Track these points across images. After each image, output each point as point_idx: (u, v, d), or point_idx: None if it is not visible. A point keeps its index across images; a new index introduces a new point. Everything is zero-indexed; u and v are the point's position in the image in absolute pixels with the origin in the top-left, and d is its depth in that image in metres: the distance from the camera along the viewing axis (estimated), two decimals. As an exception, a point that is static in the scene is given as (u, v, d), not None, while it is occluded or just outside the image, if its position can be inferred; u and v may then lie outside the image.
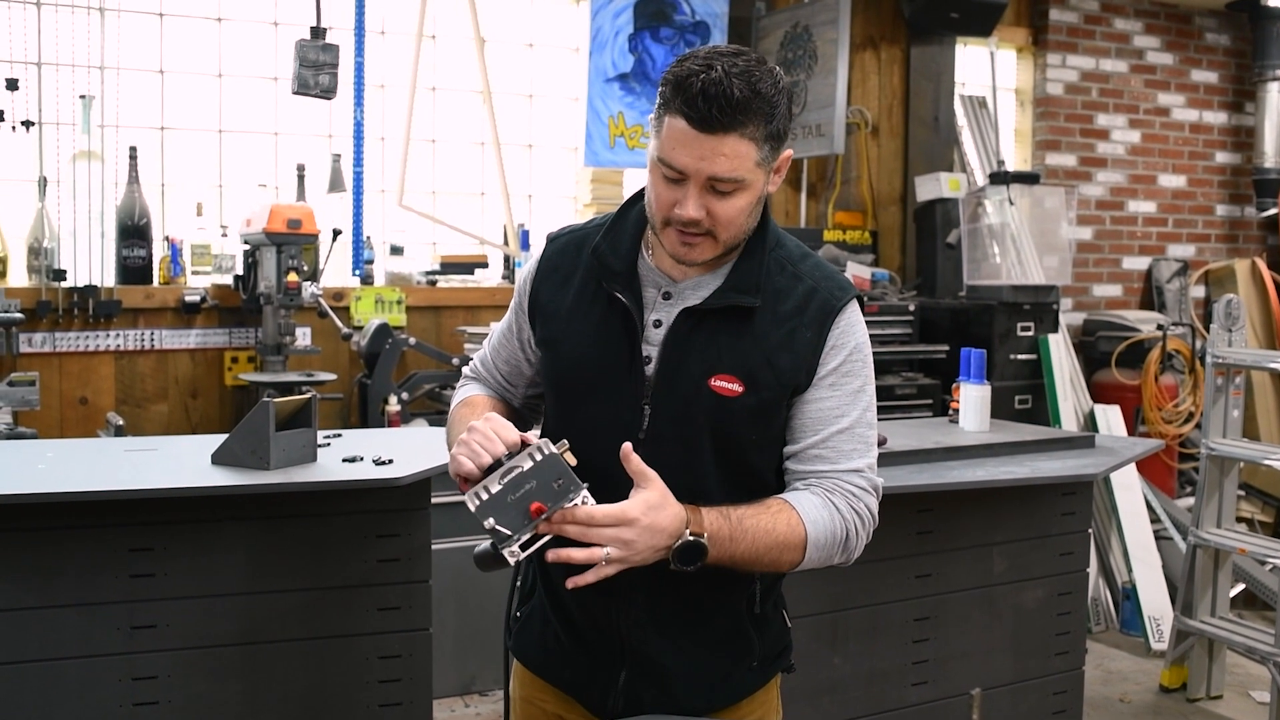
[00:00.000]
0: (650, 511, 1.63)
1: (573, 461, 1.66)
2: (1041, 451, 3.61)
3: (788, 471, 1.84)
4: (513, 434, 1.68)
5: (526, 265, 1.99)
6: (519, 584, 2.02)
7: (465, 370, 2.11)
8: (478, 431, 1.69)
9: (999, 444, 3.58)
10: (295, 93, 4.50)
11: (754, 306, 1.79)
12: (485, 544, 1.71)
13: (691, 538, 1.65)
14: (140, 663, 2.80)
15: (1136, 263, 7.00)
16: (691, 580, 1.75)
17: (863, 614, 3.33)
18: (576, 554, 1.60)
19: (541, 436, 1.95)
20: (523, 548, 1.62)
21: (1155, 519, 5.63)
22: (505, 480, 1.63)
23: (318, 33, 4.53)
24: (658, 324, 1.81)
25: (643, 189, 1.90)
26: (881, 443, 3.39)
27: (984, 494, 3.45)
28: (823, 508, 1.77)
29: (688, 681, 1.87)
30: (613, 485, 1.72)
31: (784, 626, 1.99)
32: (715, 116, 1.64)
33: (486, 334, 5.06)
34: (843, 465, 1.80)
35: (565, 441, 1.68)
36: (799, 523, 1.74)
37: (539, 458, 1.64)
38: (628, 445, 1.65)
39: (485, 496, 1.63)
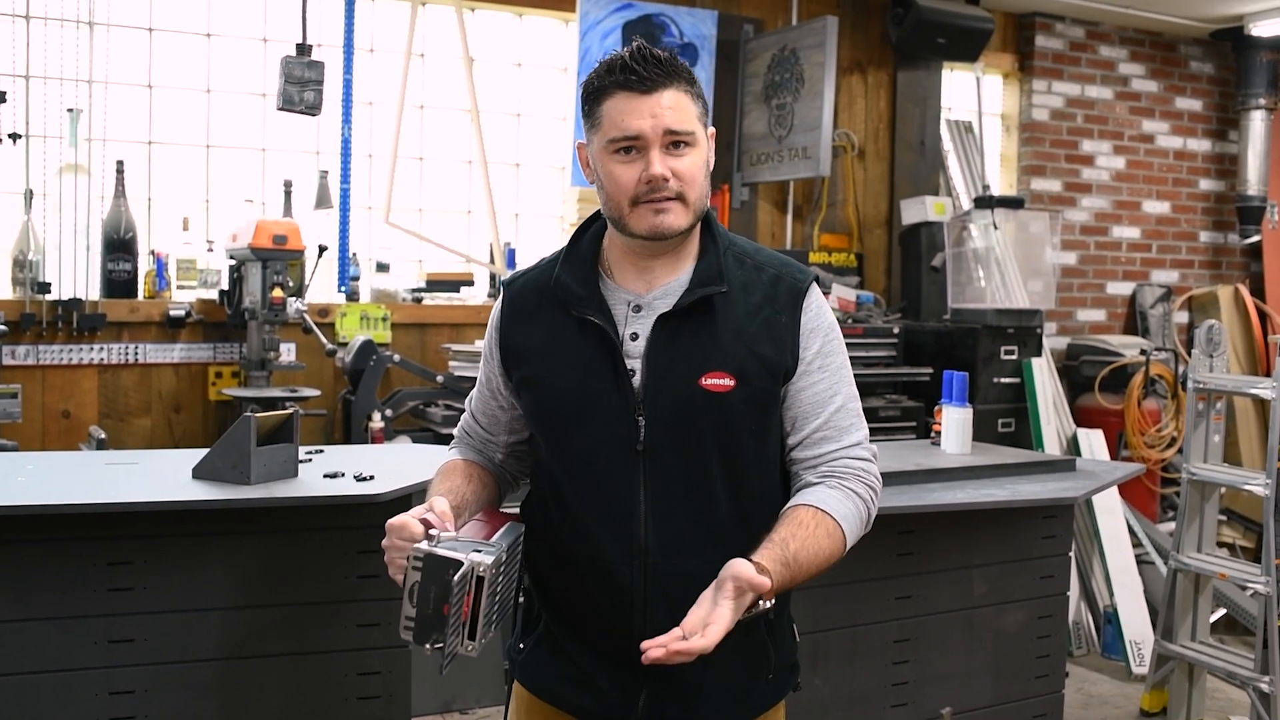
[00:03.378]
0: (730, 609, 1.65)
1: (451, 535, 1.70)
2: (1022, 474, 3.63)
3: (794, 460, 1.90)
4: (413, 530, 1.69)
5: (492, 318, 2.01)
6: (522, 615, 2.02)
7: (455, 432, 2.14)
8: (388, 549, 1.72)
9: (980, 466, 3.60)
10: (280, 109, 4.52)
11: (723, 293, 1.84)
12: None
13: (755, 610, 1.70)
14: (118, 677, 2.78)
15: (1120, 288, 7.05)
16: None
17: (843, 635, 3.33)
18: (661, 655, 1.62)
19: (534, 477, 1.99)
20: (473, 639, 1.67)
21: (1137, 543, 5.65)
22: (414, 599, 1.65)
23: (303, 49, 4.54)
24: (635, 337, 1.84)
25: (587, 220, 1.97)
26: (863, 463, 3.42)
27: (964, 516, 3.46)
28: (846, 499, 1.84)
29: (710, 696, 1.88)
30: (616, 501, 1.79)
31: (793, 640, 2.03)
32: (652, 74, 1.77)
33: (471, 351, 5.08)
34: (846, 441, 1.88)
35: (448, 531, 1.70)
36: (836, 528, 1.81)
37: (419, 563, 1.65)
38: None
39: (411, 624, 1.66)
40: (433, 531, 1.69)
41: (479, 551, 1.68)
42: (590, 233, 1.95)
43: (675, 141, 1.78)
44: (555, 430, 1.89)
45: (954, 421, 3.78)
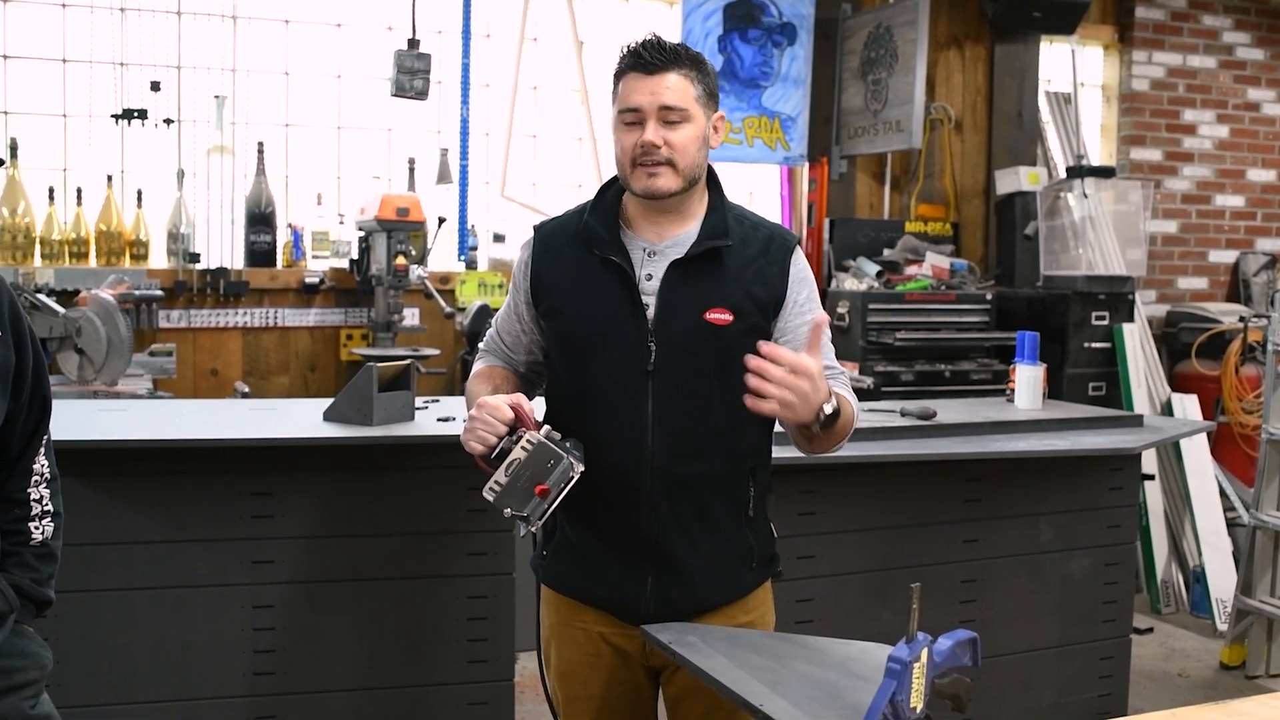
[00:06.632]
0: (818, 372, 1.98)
1: (557, 436, 2.04)
2: (1089, 429, 3.81)
3: None
4: (505, 413, 2.06)
5: (521, 255, 2.33)
6: (542, 527, 2.32)
7: (480, 345, 2.47)
8: (476, 419, 2.07)
9: (1047, 420, 3.79)
10: (393, 95, 4.95)
11: (728, 246, 2.18)
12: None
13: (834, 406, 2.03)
14: (260, 593, 3.15)
15: (1223, 256, 7.05)
16: (702, 489, 2.17)
17: (912, 574, 3.49)
18: (768, 390, 1.93)
19: (548, 393, 2.32)
20: (541, 519, 2.02)
21: (1230, 506, 5.74)
22: (509, 471, 2.01)
23: (413, 43, 4.97)
24: (649, 277, 2.18)
25: (612, 178, 2.29)
26: (931, 415, 3.66)
27: (1032, 466, 3.65)
28: (848, 392, 2.22)
29: (705, 577, 2.22)
30: (628, 413, 2.13)
31: (771, 535, 2.35)
32: (655, 58, 2.13)
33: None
34: (835, 368, 2.24)
35: (547, 427, 2.06)
36: (851, 406, 2.19)
37: (530, 447, 2.01)
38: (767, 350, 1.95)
39: (498, 489, 2.02)
40: (521, 431, 2.03)
41: (572, 455, 2.03)
42: (613, 189, 2.27)
43: (670, 117, 2.12)
44: (577, 353, 2.22)
45: (1026, 379, 3.99)
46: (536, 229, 2.34)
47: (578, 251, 2.23)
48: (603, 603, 2.25)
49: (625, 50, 2.17)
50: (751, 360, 1.93)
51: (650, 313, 2.17)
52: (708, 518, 2.21)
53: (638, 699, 2.32)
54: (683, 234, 2.22)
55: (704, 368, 2.17)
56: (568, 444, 2.06)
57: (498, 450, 2.04)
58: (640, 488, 2.17)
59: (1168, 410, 5.87)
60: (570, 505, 2.12)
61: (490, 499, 2.02)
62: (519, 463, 2.01)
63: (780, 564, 2.38)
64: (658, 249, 2.21)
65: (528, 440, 2.01)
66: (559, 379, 2.30)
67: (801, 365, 1.93)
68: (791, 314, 2.23)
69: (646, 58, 2.12)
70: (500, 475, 2.01)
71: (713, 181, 2.27)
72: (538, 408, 2.22)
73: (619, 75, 2.18)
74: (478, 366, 2.42)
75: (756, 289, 2.20)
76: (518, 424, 2.06)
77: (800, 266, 2.26)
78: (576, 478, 2.03)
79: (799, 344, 2.18)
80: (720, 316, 2.16)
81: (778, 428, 2.32)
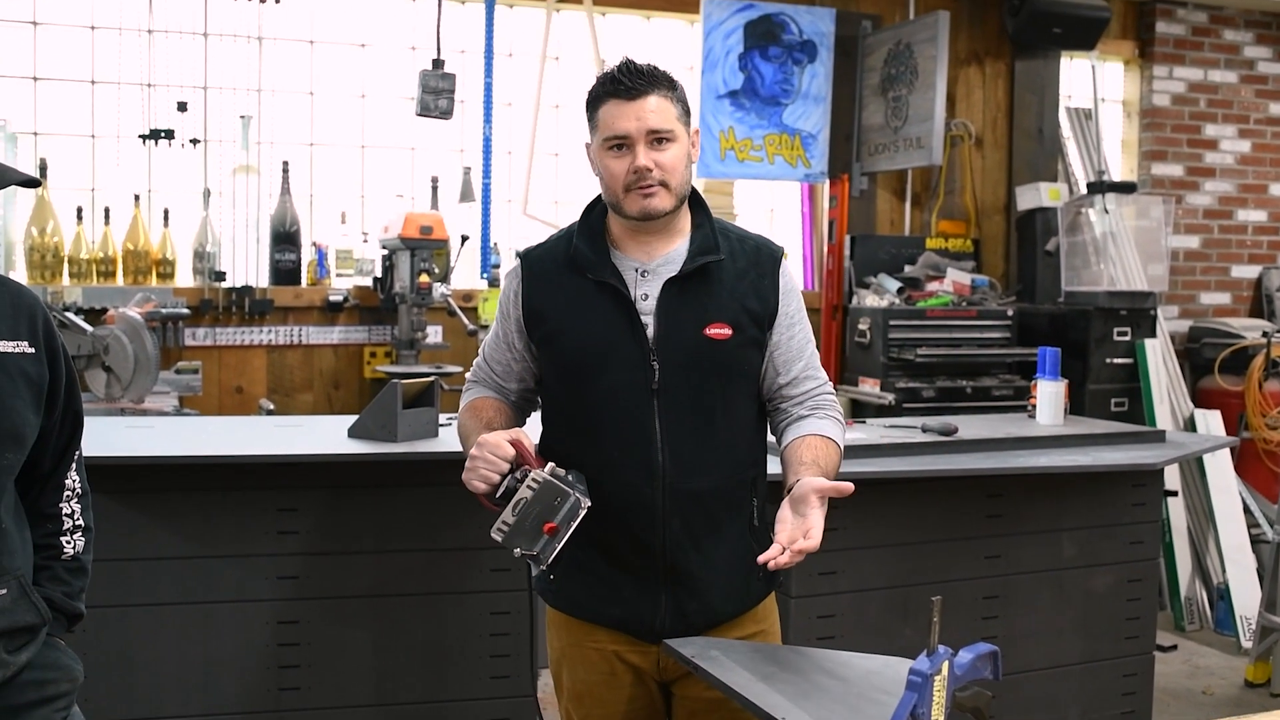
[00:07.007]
0: (821, 515, 2.04)
1: (562, 472, 2.05)
2: (1112, 444, 3.81)
3: (783, 396, 2.31)
4: (507, 450, 2.08)
5: (509, 283, 2.31)
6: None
7: (468, 375, 2.46)
8: (478, 458, 2.08)
9: (1069, 435, 3.79)
10: (418, 114, 4.98)
11: (720, 261, 2.22)
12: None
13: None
14: (284, 609, 3.18)
15: (1246, 271, 7.02)
16: (711, 502, 2.18)
17: (933, 590, 3.48)
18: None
19: (545, 418, 2.33)
20: (551, 557, 2.03)
21: (1255, 523, 5.71)
22: (517, 511, 2.01)
23: (438, 64, 5.01)
24: (645, 296, 2.20)
25: (594, 200, 2.30)
26: (952, 431, 3.67)
27: (1054, 482, 3.65)
28: (836, 426, 2.29)
29: (718, 590, 2.23)
30: (636, 434, 2.15)
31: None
32: (636, 84, 2.14)
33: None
34: (821, 379, 2.34)
35: (551, 464, 2.06)
36: (836, 445, 2.25)
37: (536, 486, 2.01)
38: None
39: (506, 528, 2.02)
40: (526, 469, 2.04)
41: (578, 490, 2.03)
42: (597, 211, 2.28)
43: (658, 138, 2.14)
44: (579, 377, 2.22)
45: (1047, 395, 3.99)
46: (523, 256, 2.33)
47: (569, 276, 2.23)
48: (618, 622, 2.25)
49: (601, 79, 2.18)
50: (764, 562, 2.00)
51: (650, 331, 2.18)
52: (716, 530, 2.23)
53: (652, 714, 2.33)
54: (672, 251, 2.24)
55: (707, 383, 2.20)
56: (571, 478, 2.06)
57: (502, 489, 2.05)
58: (652, 506, 2.17)
59: (1190, 426, 5.86)
60: (582, 526, 2.10)
61: (499, 539, 2.02)
62: (526, 501, 2.01)
63: (783, 575, 2.38)
64: (649, 268, 2.22)
65: (533, 479, 2.01)
66: (558, 403, 2.30)
67: (808, 548, 2.00)
68: (782, 326, 2.28)
69: (627, 83, 2.13)
70: (508, 515, 2.01)
71: (694, 197, 2.29)
72: (532, 432, 2.23)
73: (596, 102, 2.18)
74: (467, 398, 2.41)
75: (751, 302, 2.23)
76: (519, 460, 2.07)
77: (788, 277, 2.31)
78: (584, 514, 2.02)
79: (790, 354, 2.28)
80: (720, 331, 2.19)
81: (769, 437, 2.37)
